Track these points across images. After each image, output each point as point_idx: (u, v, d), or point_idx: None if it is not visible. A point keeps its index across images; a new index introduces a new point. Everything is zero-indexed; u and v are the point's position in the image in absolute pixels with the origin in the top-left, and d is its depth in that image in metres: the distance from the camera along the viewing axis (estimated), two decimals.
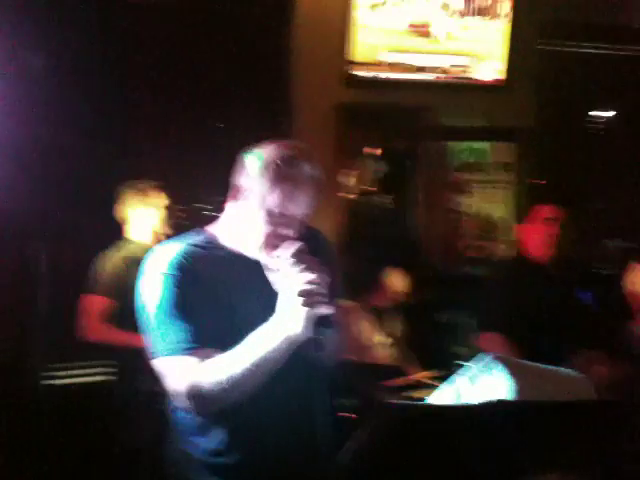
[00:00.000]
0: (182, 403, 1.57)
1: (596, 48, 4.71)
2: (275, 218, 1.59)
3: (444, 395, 1.34)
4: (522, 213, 4.09)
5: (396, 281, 3.83)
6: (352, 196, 4.16)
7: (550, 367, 1.46)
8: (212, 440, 1.63)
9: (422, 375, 3.55)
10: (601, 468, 2.14)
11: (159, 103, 3.65)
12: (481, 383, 1.34)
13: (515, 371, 1.35)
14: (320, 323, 1.48)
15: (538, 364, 1.45)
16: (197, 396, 1.53)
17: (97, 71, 3.38)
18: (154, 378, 2.79)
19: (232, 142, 3.63)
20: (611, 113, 4.90)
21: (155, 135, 3.62)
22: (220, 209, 1.73)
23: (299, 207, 1.60)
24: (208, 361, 1.53)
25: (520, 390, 1.32)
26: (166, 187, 3.13)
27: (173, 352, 1.55)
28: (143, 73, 3.61)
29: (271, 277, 1.56)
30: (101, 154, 3.34)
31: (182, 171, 3.60)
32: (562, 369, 1.45)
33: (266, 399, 1.57)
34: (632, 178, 4.71)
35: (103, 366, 3.41)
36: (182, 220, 3.21)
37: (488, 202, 4.44)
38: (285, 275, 1.51)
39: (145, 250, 3.05)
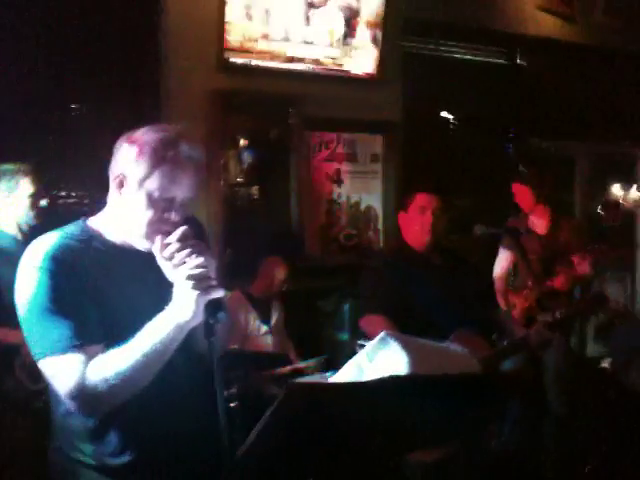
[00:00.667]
0: (70, 405, 1.49)
1: (457, 47, 5.01)
2: (157, 202, 1.54)
3: (346, 373, 1.38)
4: (397, 202, 4.30)
5: (274, 270, 3.88)
6: (225, 185, 4.13)
7: (437, 344, 1.55)
8: (106, 443, 1.56)
9: (305, 364, 3.63)
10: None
11: (27, 84, 3.42)
12: (379, 359, 1.40)
13: (408, 346, 1.42)
14: (211, 307, 1.47)
15: (427, 340, 1.53)
16: (84, 396, 1.45)
17: None
18: (31, 377, 2.65)
19: (102, 127, 3.55)
20: (468, 110, 5.22)
21: (20, 116, 3.39)
22: (92, 198, 1.67)
23: (180, 189, 1.56)
24: (95, 358, 1.46)
25: (413, 364, 1.38)
26: (31, 172, 2.93)
27: (55, 351, 1.46)
28: (10, 54, 3.37)
29: (162, 267, 1.51)
30: None
31: (49, 156, 3.40)
32: (447, 345, 1.55)
33: (157, 394, 1.51)
34: (488, 170, 5.08)
35: None
36: (49, 209, 2.99)
37: (359, 191, 4.57)
38: (173, 261, 1.48)
39: (9, 241, 2.90)
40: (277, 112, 4.23)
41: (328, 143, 4.45)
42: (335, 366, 3.45)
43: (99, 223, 1.63)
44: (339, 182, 4.50)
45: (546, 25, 5.40)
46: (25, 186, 2.91)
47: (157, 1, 3.81)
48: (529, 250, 3.81)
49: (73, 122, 3.62)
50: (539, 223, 3.95)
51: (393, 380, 1.33)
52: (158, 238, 1.51)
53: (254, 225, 4.22)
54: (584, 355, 3.88)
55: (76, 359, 1.46)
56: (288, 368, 3.51)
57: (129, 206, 1.56)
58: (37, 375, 2.60)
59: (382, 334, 1.44)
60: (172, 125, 1.63)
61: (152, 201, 1.54)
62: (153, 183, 1.54)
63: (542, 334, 2.76)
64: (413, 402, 1.36)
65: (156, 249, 1.51)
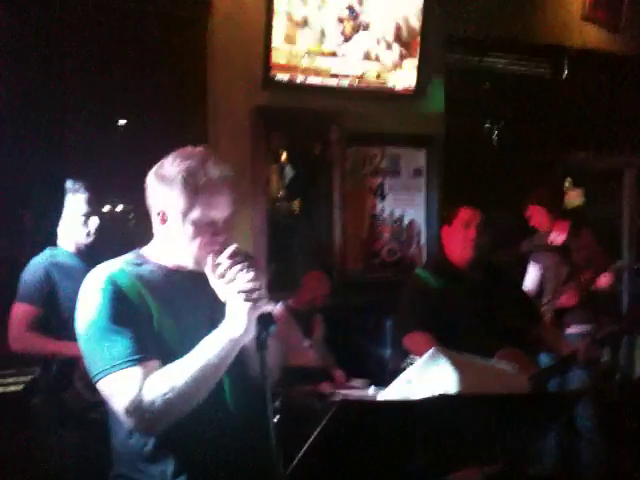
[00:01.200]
0: (127, 422, 1.52)
1: (500, 61, 4.98)
2: (201, 229, 1.58)
3: (395, 388, 1.39)
4: (440, 217, 4.29)
5: (316, 284, 3.90)
6: (267, 200, 4.18)
7: (487, 361, 1.55)
8: (166, 464, 1.58)
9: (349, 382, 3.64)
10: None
11: (78, 105, 3.54)
12: (428, 375, 1.40)
13: (457, 363, 1.42)
14: (262, 321, 1.50)
15: (476, 357, 1.53)
16: (141, 411, 1.48)
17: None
18: (89, 389, 2.72)
19: (151, 145, 3.63)
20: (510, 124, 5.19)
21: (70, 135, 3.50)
22: (141, 216, 1.71)
23: (221, 211, 1.60)
24: (152, 373, 1.50)
25: (462, 381, 1.38)
26: (84, 191, 3.01)
27: (113, 368, 1.51)
28: (62, 71, 3.49)
29: (214, 286, 1.55)
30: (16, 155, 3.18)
31: (101, 176, 3.49)
32: (497, 363, 1.54)
33: (212, 413, 1.55)
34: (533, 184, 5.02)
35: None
36: (100, 226, 3.07)
37: (402, 206, 4.57)
38: (225, 279, 1.51)
39: (68, 257, 2.99)
40: (320, 128, 4.27)
41: (371, 158, 4.46)
42: (376, 382, 3.47)
43: (151, 251, 1.69)
44: (382, 197, 4.50)
45: (591, 36, 5.33)
46: (80, 205, 3.00)
47: (204, 19, 3.89)
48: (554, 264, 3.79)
49: (122, 140, 3.71)
50: (560, 238, 3.93)
51: (442, 399, 1.33)
52: (209, 258, 1.55)
53: (297, 240, 4.25)
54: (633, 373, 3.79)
55: (134, 374, 1.49)
56: (330, 385, 3.54)
57: (176, 237, 1.61)
58: (95, 387, 2.70)
59: (432, 350, 1.44)
60: (194, 148, 1.65)
61: (197, 229, 1.58)
62: (194, 214, 1.57)
63: (592, 350, 2.71)
64: (461, 421, 1.36)
65: (208, 269, 1.54)
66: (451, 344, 2.50)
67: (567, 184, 5.37)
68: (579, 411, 3.46)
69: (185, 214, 1.58)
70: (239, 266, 1.51)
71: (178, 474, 1.58)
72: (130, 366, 1.50)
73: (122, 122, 3.90)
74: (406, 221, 4.58)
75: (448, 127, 4.65)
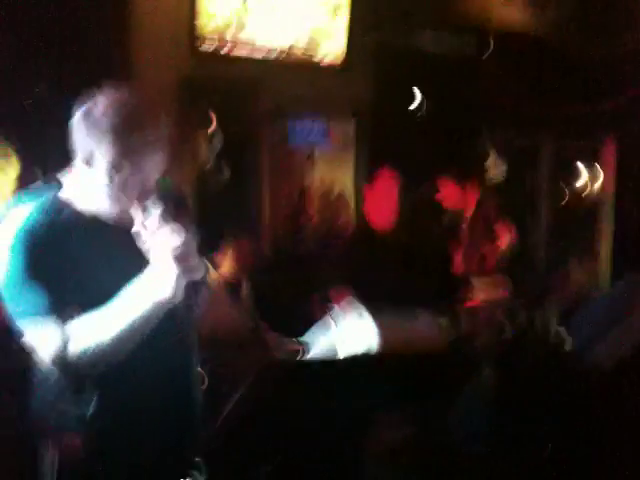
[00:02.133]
0: (52, 369, 1.53)
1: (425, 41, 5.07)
2: (128, 187, 1.54)
3: (316, 333, 1.44)
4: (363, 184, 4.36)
5: (241, 249, 3.90)
6: (195, 169, 4.14)
7: (409, 316, 1.62)
8: (83, 406, 1.59)
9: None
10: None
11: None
12: (345, 321, 1.45)
13: (376, 313, 1.48)
14: (191, 287, 1.49)
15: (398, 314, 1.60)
16: (66, 362, 1.49)
17: None
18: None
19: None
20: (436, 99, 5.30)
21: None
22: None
23: (154, 169, 1.56)
24: (75, 324, 1.49)
25: (381, 331, 1.45)
26: (18, 154, 2.92)
27: (33, 315, 1.50)
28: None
29: (141, 244, 1.51)
30: None
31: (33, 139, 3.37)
32: (416, 310, 1.61)
33: (137, 362, 1.54)
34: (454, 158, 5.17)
35: None
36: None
37: (332, 177, 4.62)
38: (153, 241, 1.48)
39: None
40: (248, 98, 4.26)
41: (301, 129, 4.47)
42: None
43: (69, 193, 1.61)
44: (312, 164, 4.54)
45: (514, 17, 5.49)
46: (13, 168, 2.91)
47: None
48: None
49: (48, 107, 3.57)
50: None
51: (360, 359, 1.38)
52: (138, 217, 1.50)
53: (225, 209, 4.23)
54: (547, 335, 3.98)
55: (53, 326, 1.48)
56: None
57: (102, 185, 1.55)
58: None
59: (352, 300, 1.49)
60: (132, 96, 1.56)
61: (123, 185, 1.54)
62: (122, 170, 1.52)
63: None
64: (378, 382, 1.42)
65: (137, 225, 1.50)
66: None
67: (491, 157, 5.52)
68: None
69: (113, 167, 1.52)
70: (171, 226, 1.47)
71: (95, 416, 1.59)
72: (48, 317, 1.49)
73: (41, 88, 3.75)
74: (335, 192, 4.64)
75: (375, 100, 4.72)
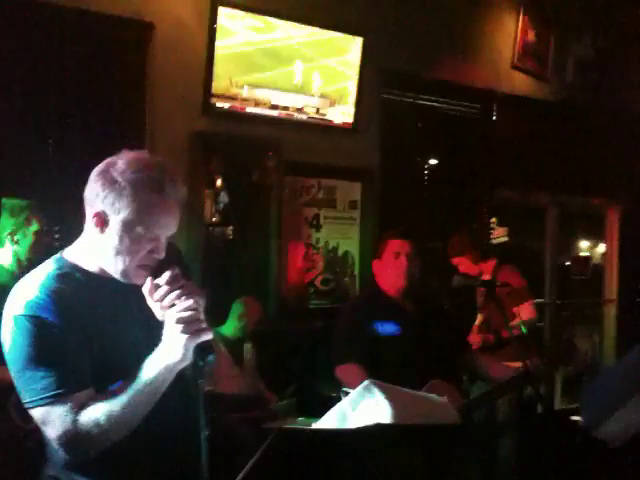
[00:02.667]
0: (61, 451, 1.49)
1: (432, 101, 5.17)
2: (142, 243, 1.52)
3: (330, 419, 1.42)
4: (372, 248, 4.37)
5: (247, 310, 3.89)
6: (202, 225, 4.17)
7: (417, 392, 1.60)
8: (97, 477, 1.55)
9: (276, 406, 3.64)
10: None
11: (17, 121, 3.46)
12: (362, 407, 1.43)
13: (391, 395, 1.46)
14: (200, 350, 1.47)
15: (407, 389, 1.58)
16: (75, 442, 1.45)
17: None
18: (23, 417, 2.62)
19: (91, 166, 3.57)
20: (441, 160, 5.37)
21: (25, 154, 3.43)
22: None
23: (166, 229, 1.55)
24: (86, 404, 1.45)
25: (396, 413, 1.42)
26: (39, 209, 2.95)
27: (42, 401, 1.45)
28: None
29: (150, 305, 1.50)
30: None
31: (51, 194, 3.40)
32: (427, 394, 1.59)
33: (147, 430, 1.50)
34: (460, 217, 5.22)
35: None
36: (50, 245, 2.99)
37: (337, 237, 4.64)
38: (163, 303, 1.47)
39: (5, 275, 2.89)
40: (257, 156, 4.31)
41: (308, 188, 4.52)
42: (308, 410, 3.48)
43: (76, 255, 1.59)
44: (318, 227, 4.57)
45: (520, 82, 5.62)
46: (33, 222, 2.92)
47: (146, 42, 3.89)
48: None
49: (69, 161, 3.62)
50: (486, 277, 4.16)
51: (377, 428, 1.36)
52: (148, 280, 1.49)
53: (230, 266, 4.24)
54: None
55: (64, 408, 1.45)
56: (262, 411, 3.53)
57: (111, 244, 1.53)
58: (29, 414, 2.59)
59: (366, 383, 1.48)
60: (152, 158, 1.57)
61: (137, 243, 1.52)
62: (138, 228, 1.51)
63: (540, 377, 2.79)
64: (395, 449, 1.40)
65: (146, 290, 1.49)
66: (381, 375, 2.60)
67: (493, 223, 5.60)
68: (502, 442, 3.56)
69: (128, 226, 1.50)
70: (178, 292, 1.46)
71: None
72: (59, 401, 1.45)
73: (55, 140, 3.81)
74: (341, 252, 4.66)
75: (383, 161, 4.78)
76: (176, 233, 1.60)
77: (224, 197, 4.29)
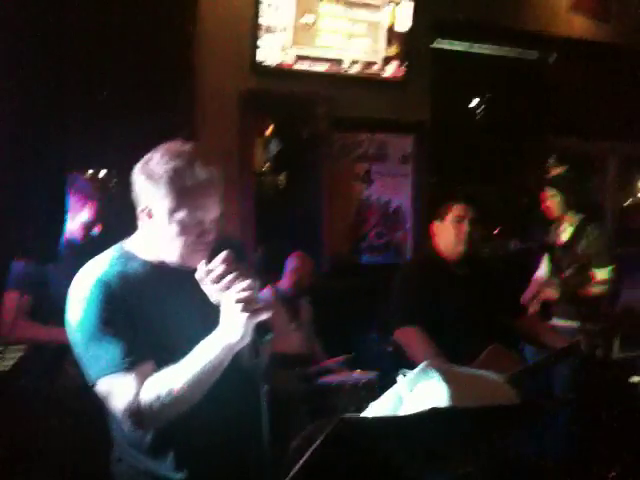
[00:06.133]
0: (124, 423, 1.57)
1: (487, 47, 4.99)
2: (187, 229, 1.58)
3: (386, 402, 1.43)
4: (427, 203, 4.32)
5: (299, 265, 3.92)
6: (253, 174, 4.17)
7: (477, 372, 1.60)
8: (163, 458, 1.63)
9: (333, 361, 3.69)
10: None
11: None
12: (419, 389, 1.44)
13: (449, 377, 1.46)
14: (258, 329, 1.52)
15: (467, 369, 1.58)
16: (138, 414, 1.52)
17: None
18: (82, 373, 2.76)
19: (139, 125, 3.60)
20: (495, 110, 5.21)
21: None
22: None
23: (207, 212, 1.60)
24: (148, 378, 1.53)
25: (454, 395, 1.43)
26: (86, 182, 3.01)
27: (107, 373, 1.54)
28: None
29: (205, 289, 1.55)
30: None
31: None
32: (487, 373, 1.59)
33: (207, 411, 1.57)
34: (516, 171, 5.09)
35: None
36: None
37: (389, 192, 4.60)
38: (219, 286, 1.52)
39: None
40: (308, 112, 4.27)
41: (359, 143, 4.47)
42: (362, 365, 3.52)
43: (134, 246, 1.67)
44: (369, 182, 4.53)
45: (579, 25, 5.36)
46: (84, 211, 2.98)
47: (194, 5, 3.85)
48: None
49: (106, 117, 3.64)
50: (567, 230, 3.94)
51: (435, 413, 1.37)
52: (202, 264, 1.54)
53: (283, 218, 4.25)
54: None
55: (128, 378, 1.53)
56: (315, 368, 3.60)
57: (162, 234, 1.60)
58: None
59: (423, 364, 1.48)
60: (184, 145, 1.63)
61: (183, 229, 1.58)
62: (179, 214, 1.57)
63: (595, 344, 2.76)
64: (452, 433, 1.42)
65: (200, 275, 1.54)
66: (440, 338, 2.61)
67: (551, 160, 5.40)
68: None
69: (171, 214, 1.57)
70: (233, 274, 1.51)
71: (178, 468, 1.62)
72: (124, 371, 1.53)
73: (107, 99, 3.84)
74: (393, 207, 4.63)
75: (435, 113, 4.67)
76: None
77: (274, 146, 4.29)
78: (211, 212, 1.60)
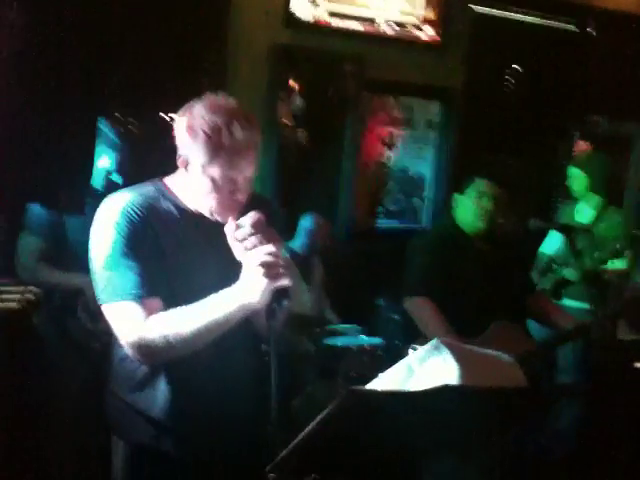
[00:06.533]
0: (127, 350, 1.61)
1: (525, 16, 4.84)
2: (220, 185, 1.60)
3: (396, 374, 1.44)
4: (450, 172, 4.25)
5: (316, 226, 3.90)
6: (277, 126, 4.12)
7: (487, 351, 1.59)
8: (156, 393, 1.67)
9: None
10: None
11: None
12: (430, 364, 1.44)
13: (460, 355, 1.46)
14: (277, 294, 1.52)
15: (477, 348, 1.58)
16: (141, 345, 1.57)
17: None
18: (92, 318, 2.79)
19: (172, 77, 3.57)
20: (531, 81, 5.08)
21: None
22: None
23: (241, 171, 1.61)
24: (158, 313, 1.56)
25: (464, 373, 1.43)
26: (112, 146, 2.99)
27: (118, 298, 1.58)
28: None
29: (231, 245, 1.55)
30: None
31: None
32: (497, 353, 1.59)
33: (209, 357, 1.62)
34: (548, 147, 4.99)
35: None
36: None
37: (411, 157, 4.54)
38: (245, 245, 1.52)
39: None
40: (336, 69, 4.19)
41: (385, 105, 4.40)
42: (368, 331, 3.53)
43: (174, 185, 1.70)
44: (391, 146, 4.47)
45: None
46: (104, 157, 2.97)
47: None
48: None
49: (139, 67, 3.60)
50: (586, 212, 3.89)
51: (446, 390, 1.37)
52: (230, 219, 1.54)
53: (303, 173, 4.21)
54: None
55: (137, 309, 1.57)
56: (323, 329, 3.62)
57: (196, 184, 1.63)
58: (98, 316, 2.77)
59: (435, 341, 1.48)
60: (225, 101, 1.62)
61: (215, 185, 1.60)
62: (213, 169, 1.59)
63: (605, 326, 2.74)
64: (460, 412, 1.42)
65: (228, 230, 1.54)
66: (451, 311, 2.61)
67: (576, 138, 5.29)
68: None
69: (205, 168, 1.59)
70: (260, 235, 1.51)
71: (166, 408, 1.67)
72: (134, 299, 1.57)
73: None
74: (413, 173, 4.57)
75: (468, 81, 4.56)
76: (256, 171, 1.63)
77: (299, 102, 4.23)
78: (245, 172, 1.61)
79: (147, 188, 1.69)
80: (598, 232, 3.78)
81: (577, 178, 3.85)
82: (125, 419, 1.73)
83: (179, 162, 1.64)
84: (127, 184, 1.77)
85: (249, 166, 1.62)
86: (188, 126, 1.59)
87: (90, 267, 1.63)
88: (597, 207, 3.83)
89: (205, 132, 1.56)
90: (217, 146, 1.56)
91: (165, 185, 1.70)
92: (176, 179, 1.70)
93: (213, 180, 1.59)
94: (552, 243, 3.87)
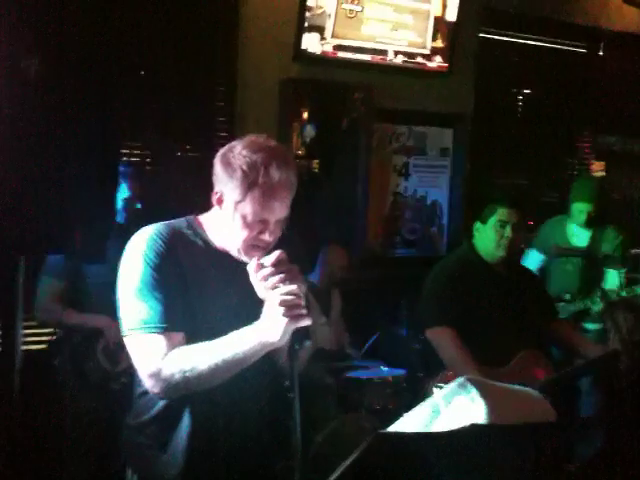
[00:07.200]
0: (145, 382, 1.60)
1: (534, 40, 4.87)
2: (250, 224, 1.60)
3: (421, 414, 1.41)
4: (464, 198, 4.23)
5: (333, 257, 3.87)
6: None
7: (515, 387, 1.56)
8: (173, 430, 1.66)
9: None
10: None
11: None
12: (456, 403, 1.42)
13: (486, 392, 1.43)
14: (297, 334, 1.51)
15: (505, 384, 1.55)
16: (159, 379, 1.56)
17: None
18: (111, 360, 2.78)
19: (180, 112, 3.61)
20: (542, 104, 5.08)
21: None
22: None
23: (273, 212, 1.60)
24: (177, 347, 1.56)
25: (492, 412, 1.40)
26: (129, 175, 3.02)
27: (142, 329, 1.58)
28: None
29: (253, 283, 1.55)
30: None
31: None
32: (525, 389, 1.56)
33: (230, 394, 1.61)
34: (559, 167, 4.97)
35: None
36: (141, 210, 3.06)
37: (426, 186, 4.54)
38: (266, 284, 1.52)
39: None
40: (348, 101, 4.21)
41: (398, 135, 4.41)
42: (389, 361, 3.49)
43: (207, 221, 1.71)
44: (406, 175, 4.47)
45: (631, 18, 5.19)
46: (123, 189, 3.00)
47: None
48: None
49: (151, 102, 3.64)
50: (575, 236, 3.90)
51: (474, 429, 1.34)
52: (254, 258, 1.55)
53: (315, 202, 4.20)
54: None
55: (159, 341, 1.57)
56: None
57: (227, 222, 1.63)
58: (116, 358, 2.78)
59: (461, 379, 1.45)
60: (267, 142, 1.63)
61: (246, 223, 1.60)
62: (246, 207, 1.59)
63: (634, 354, 2.71)
64: (490, 451, 1.39)
65: (251, 268, 1.55)
66: (474, 341, 2.57)
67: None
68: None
69: (237, 205, 1.60)
70: (282, 275, 1.51)
71: (182, 442, 1.65)
72: (156, 332, 1.57)
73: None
74: (429, 201, 4.56)
75: (477, 105, 4.57)
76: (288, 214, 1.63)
77: (310, 131, 4.24)
78: (277, 213, 1.61)
79: (179, 222, 1.71)
80: (602, 255, 3.79)
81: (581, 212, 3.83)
82: (140, 453, 1.72)
83: (214, 199, 1.65)
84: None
85: (282, 208, 1.61)
86: (226, 162, 1.60)
87: (116, 297, 1.64)
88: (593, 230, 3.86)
89: (242, 168, 1.57)
90: (252, 183, 1.57)
91: (197, 221, 1.72)
92: (209, 217, 1.71)
93: (244, 218, 1.59)
94: (530, 263, 3.82)
